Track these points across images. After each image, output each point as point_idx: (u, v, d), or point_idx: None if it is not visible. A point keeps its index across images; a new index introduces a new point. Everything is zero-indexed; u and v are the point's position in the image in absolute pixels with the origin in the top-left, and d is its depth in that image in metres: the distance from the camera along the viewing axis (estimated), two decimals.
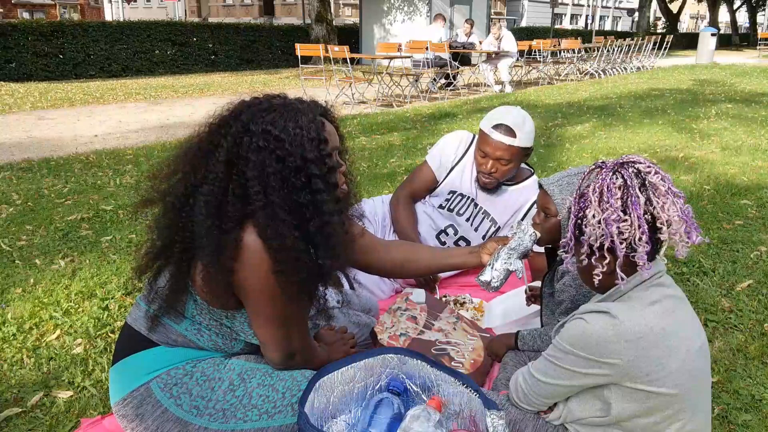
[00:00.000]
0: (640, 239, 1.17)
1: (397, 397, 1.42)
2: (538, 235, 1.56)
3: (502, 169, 2.23)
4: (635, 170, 1.20)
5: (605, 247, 1.21)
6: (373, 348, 1.84)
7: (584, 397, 1.29)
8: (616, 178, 1.19)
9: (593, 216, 1.20)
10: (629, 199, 1.17)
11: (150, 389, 1.28)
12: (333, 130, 1.29)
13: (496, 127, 2.17)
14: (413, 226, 2.44)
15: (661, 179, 1.19)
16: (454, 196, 2.42)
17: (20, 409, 1.75)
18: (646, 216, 1.18)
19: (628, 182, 1.18)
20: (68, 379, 1.90)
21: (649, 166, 1.20)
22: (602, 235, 1.20)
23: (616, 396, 1.22)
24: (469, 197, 2.41)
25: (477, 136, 2.29)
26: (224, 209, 1.17)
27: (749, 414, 1.76)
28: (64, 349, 2.08)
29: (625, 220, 1.17)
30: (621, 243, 1.19)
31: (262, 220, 1.16)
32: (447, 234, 2.41)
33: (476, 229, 2.41)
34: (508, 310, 2.16)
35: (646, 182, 1.19)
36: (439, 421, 1.31)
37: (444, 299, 2.32)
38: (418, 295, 2.12)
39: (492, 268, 1.52)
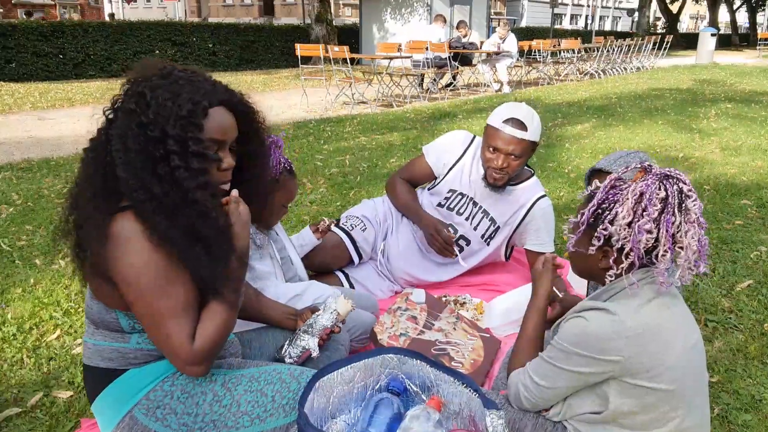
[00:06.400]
0: (664, 255, 1.18)
1: (396, 397, 1.42)
2: (340, 314, 1.55)
3: (513, 164, 2.22)
4: (679, 189, 1.19)
5: (625, 250, 1.21)
6: (373, 348, 1.84)
7: (582, 392, 1.29)
8: (660, 189, 1.19)
9: (623, 217, 1.20)
10: (666, 215, 1.18)
11: (134, 417, 1.26)
12: (227, 123, 1.21)
13: (507, 121, 2.17)
14: (415, 197, 2.49)
15: (698, 207, 1.19)
16: (454, 195, 2.42)
17: (20, 409, 1.75)
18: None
19: (670, 199, 1.18)
20: (68, 379, 1.90)
21: (690, 189, 1.20)
22: (625, 239, 1.20)
23: (614, 391, 1.22)
24: (468, 196, 2.40)
25: (483, 134, 2.27)
26: (105, 181, 1.13)
27: (749, 414, 1.77)
28: (64, 349, 2.08)
29: (651, 232, 1.18)
30: (641, 251, 1.20)
31: (123, 174, 1.11)
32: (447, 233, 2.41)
33: (475, 228, 2.40)
34: (509, 310, 2.16)
35: (684, 205, 1.19)
36: (438, 421, 1.31)
37: (444, 299, 2.32)
38: (418, 295, 2.12)
39: (290, 345, 1.54)
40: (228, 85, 1.26)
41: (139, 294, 1.14)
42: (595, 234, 1.24)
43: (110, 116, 1.18)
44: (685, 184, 1.20)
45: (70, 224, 1.21)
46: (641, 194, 1.19)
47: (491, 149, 2.22)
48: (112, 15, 32.80)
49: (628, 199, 1.20)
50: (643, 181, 1.21)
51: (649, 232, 1.18)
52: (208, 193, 1.16)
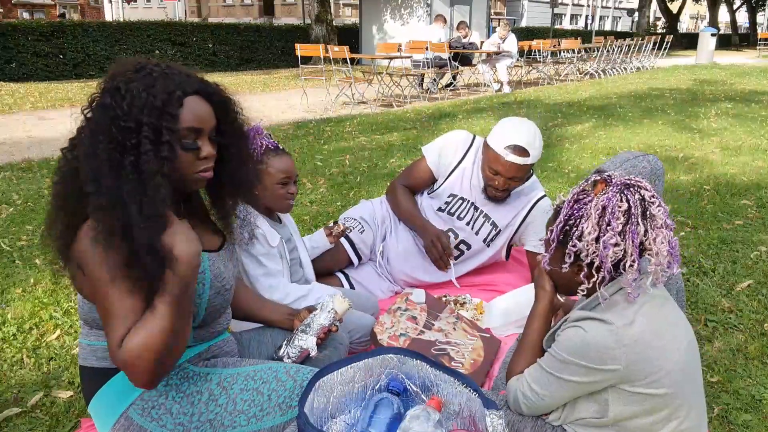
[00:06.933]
0: (631, 266, 1.18)
1: (396, 397, 1.42)
2: (338, 313, 1.55)
3: (514, 184, 2.25)
4: (641, 197, 1.19)
5: (594, 264, 1.21)
6: (373, 348, 1.84)
7: (582, 399, 1.29)
8: (622, 201, 1.18)
9: (589, 233, 1.19)
10: (630, 227, 1.17)
11: (130, 418, 1.25)
12: (204, 111, 1.20)
13: (509, 148, 2.13)
14: (416, 205, 2.45)
15: (662, 212, 1.19)
16: (455, 199, 2.41)
17: (20, 409, 1.75)
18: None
19: (633, 210, 1.17)
20: (68, 379, 1.90)
21: (653, 196, 1.20)
22: (594, 253, 1.20)
23: (613, 398, 1.22)
24: (469, 200, 2.39)
25: (483, 150, 2.25)
26: (77, 180, 1.13)
27: (749, 414, 1.77)
28: (64, 349, 2.08)
29: (618, 245, 1.17)
30: (611, 265, 1.19)
31: (85, 167, 1.09)
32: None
33: (477, 233, 2.39)
34: (509, 310, 2.16)
35: (647, 213, 1.19)
36: (438, 421, 1.31)
37: (444, 299, 2.32)
38: (418, 295, 2.12)
39: (288, 345, 1.54)
40: (203, 77, 1.25)
41: (94, 289, 1.14)
42: (566, 251, 1.23)
43: (89, 115, 1.17)
44: (647, 190, 1.20)
45: (58, 225, 1.20)
46: (603, 208, 1.19)
47: (492, 171, 2.21)
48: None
49: (591, 214, 1.19)
50: (604, 194, 1.20)
51: (616, 245, 1.17)
52: (166, 181, 1.12)
